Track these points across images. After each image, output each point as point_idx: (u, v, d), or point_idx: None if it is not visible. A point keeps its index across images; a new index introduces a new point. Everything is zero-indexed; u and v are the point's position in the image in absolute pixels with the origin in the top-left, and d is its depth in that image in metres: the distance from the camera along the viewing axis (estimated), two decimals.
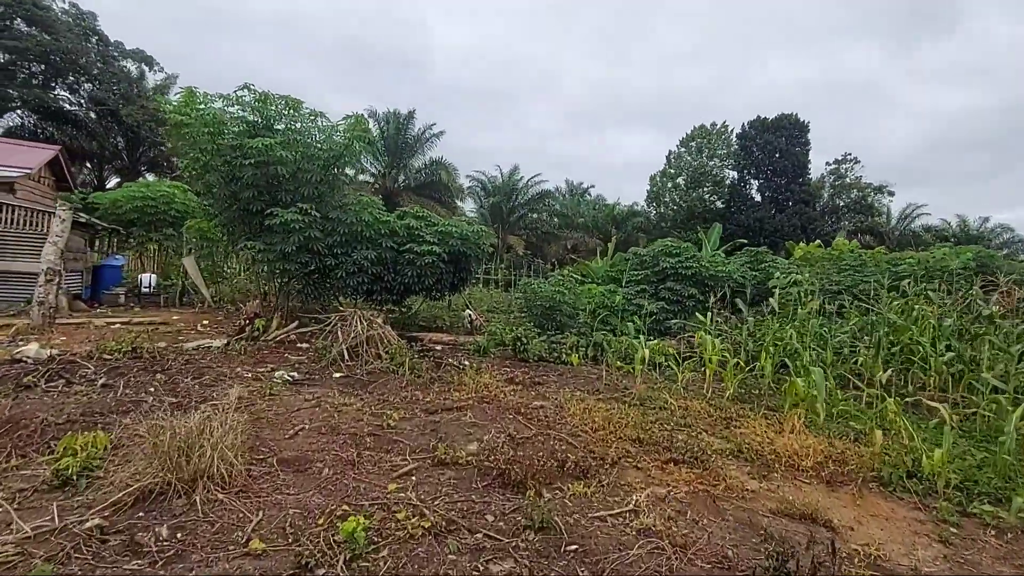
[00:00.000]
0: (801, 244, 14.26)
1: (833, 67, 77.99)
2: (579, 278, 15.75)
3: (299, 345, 9.25)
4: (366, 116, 10.42)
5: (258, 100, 10.41)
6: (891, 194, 36.47)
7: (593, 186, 45.72)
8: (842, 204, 37.67)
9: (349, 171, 11.14)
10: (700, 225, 31.10)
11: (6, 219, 12.90)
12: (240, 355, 8.19)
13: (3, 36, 29.37)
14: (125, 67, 37.78)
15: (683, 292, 12.72)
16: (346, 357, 7.95)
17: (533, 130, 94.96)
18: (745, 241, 22.00)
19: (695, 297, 12.78)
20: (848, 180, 37.31)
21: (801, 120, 35.23)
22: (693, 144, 37.23)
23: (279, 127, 10.86)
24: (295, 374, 7.19)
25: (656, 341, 9.62)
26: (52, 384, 6.11)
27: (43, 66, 33.83)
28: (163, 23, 72.83)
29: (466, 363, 8.95)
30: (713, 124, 36.95)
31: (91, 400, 5.45)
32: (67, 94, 35.86)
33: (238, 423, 4.14)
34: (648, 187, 39.62)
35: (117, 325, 10.37)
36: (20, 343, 7.94)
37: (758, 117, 35.92)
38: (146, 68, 38.34)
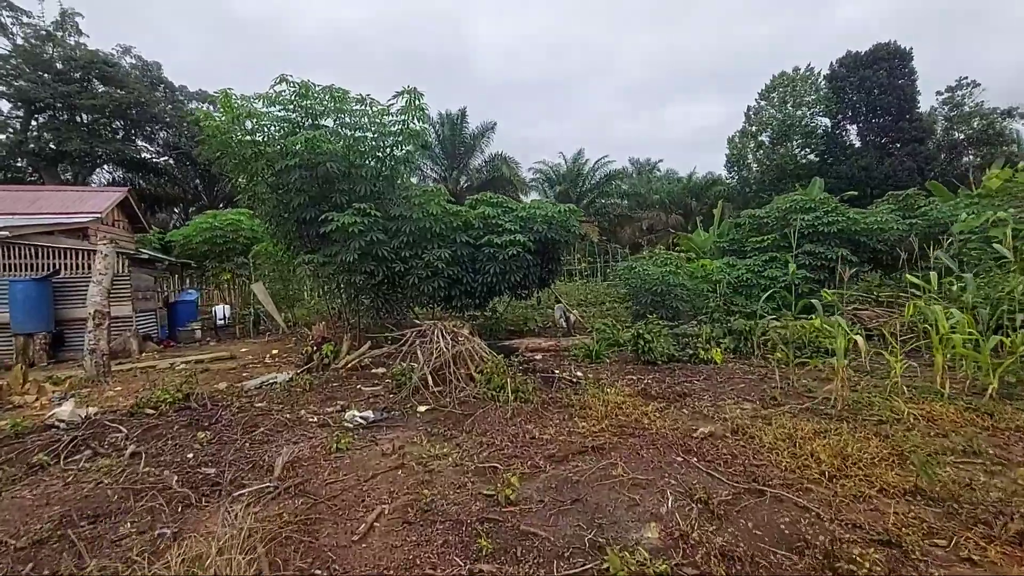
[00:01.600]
0: (993, 170, 11.04)
1: None
2: (679, 254, 13.32)
3: (374, 371, 7.63)
4: (419, 90, 8.64)
5: (297, 94, 8.94)
6: None
7: (661, 160, 42.56)
8: (962, 137, 32.12)
9: (410, 168, 9.41)
10: (795, 184, 27.30)
11: (80, 264, 12.38)
12: (306, 391, 6.65)
13: (83, 97, 30.76)
14: (192, 110, 39.04)
15: (828, 255, 10.03)
16: (430, 383, 6.18)
17: (593, 114, 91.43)
18: (855, 193, 18.43)
19: (847, 260, 10.06)
20: (967, 108, 31.72)
21: (902, 48, 30.28)
22: (775, 95, 33.02)
23: (326, 123, 9.38)
24: (370, 413, 5.49)
25: (817, 319, 7.14)
26: (74, 458, 4.74)
27: (122, 121, 35.47)
28: (224, 60, 76.27)
29: (579, 374, 6.95)
30: (796, 69, 32.58)
31: (96, 489, 3.95)
32: (146, 144, 37.53)
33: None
34: (727, 151, 35.81)
35: (182, 365, 9.28)
36: (66, 401, 6.82)
37: (848, 52, 31.31)
38: (211, 108, 39.41)
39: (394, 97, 8.69)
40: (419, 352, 6.57)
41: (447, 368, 6.17)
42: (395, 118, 8.93)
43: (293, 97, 9.03)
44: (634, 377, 6.74)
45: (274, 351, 10.23)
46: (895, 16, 67.94)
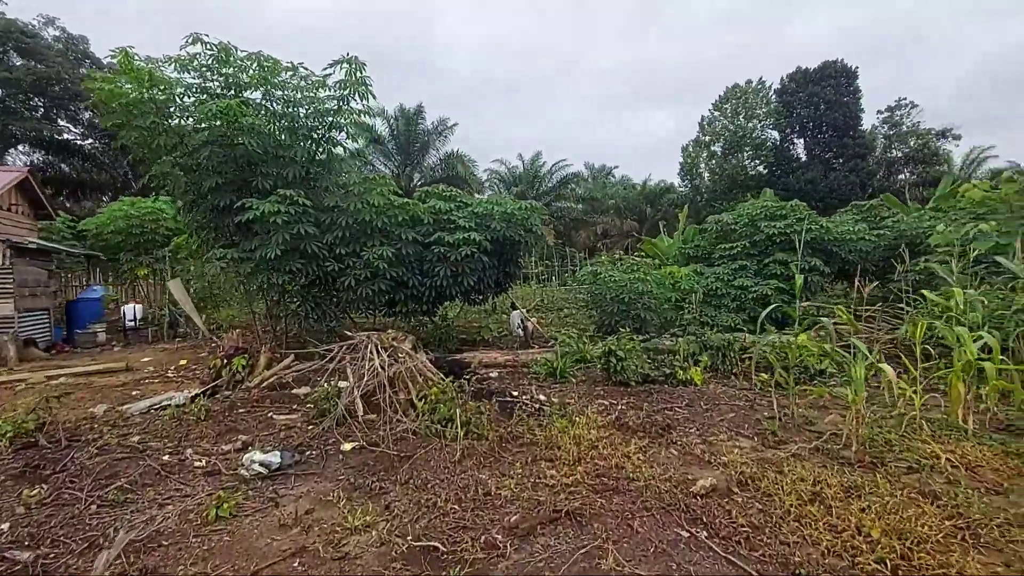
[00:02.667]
0: (972, 183, 10.71)
1: (874, 13, 70.53)
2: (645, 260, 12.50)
3: (297, 390, 6.25)
4: (363, 61, 7.33)
5: (216, 59, 7.45)
6: (957, 138, 32.01)
7: (617, 167, 42.23)
8: (900, 155, 33.35)
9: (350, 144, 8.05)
10: (746, 194, 27.39)
11: None
12: (201, 420, 5.23)
13: None
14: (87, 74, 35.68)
15: (801, 265, 9.38)
16: (360, 411, 4.92)
17: (554, 120, 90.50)
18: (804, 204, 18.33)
19: (818, 270, 9.44)
20: (905, 128, 32.95)
21: (848, 66, 31.10)
22: (728, 106, 33.25)
23: (253, 95, 7.92)
24: (276, 455, 4.17)
25: (802, 334, 6.32)
26: None
27: (42, 98, 31.82)
28: (174, 34, 71.11)
29: (542, 398, 5.85)
30: (748, 82, 32.96)
31: None
32: (69, 124, 33.86)
33: None
34: (680, 159, 35.85)
35: (62, 379, 7.56)
36: None
37: (799, 68, 31.91)
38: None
39: (331, 67, 7.34)
40: (349, 372, 5.28)
41: (382, 392, 4.92)
42: (333, 93, 7.58)
43: (211, 63, 7.54)
44: (606, 402, 5.70)
45: (183, 361, 8.60)
46: (842, 36, 70.90)
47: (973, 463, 3.79)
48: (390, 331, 5.79)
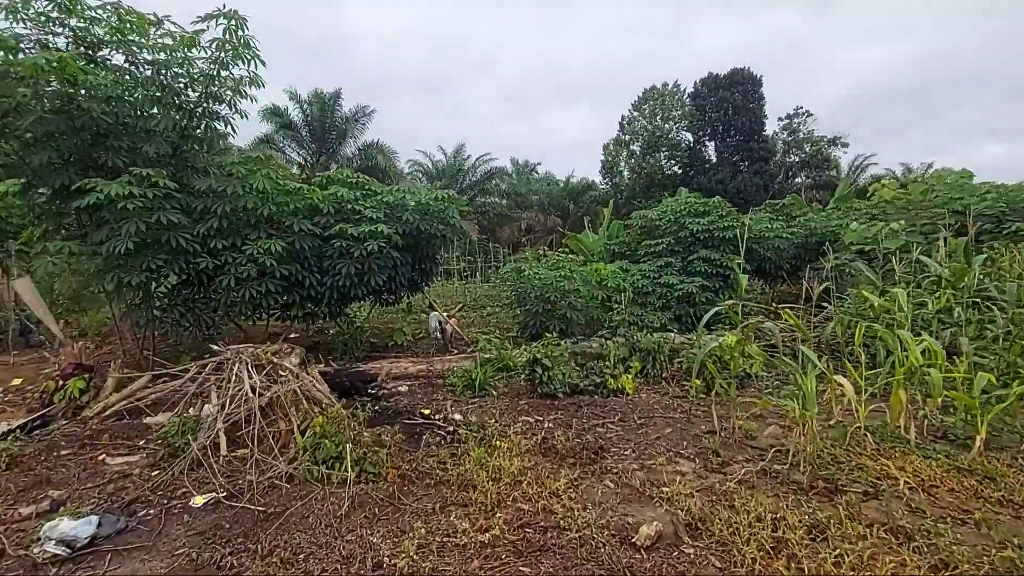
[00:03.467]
0: (885, 181, 11.02)
1: (762, 30, 75.65)
2: (571, 256, 11.97)
3: (151, 419, 4.98)
4: (244, 16, 6.07)
5: (59, 6, 5.90)
6: (845, 146, 34.67)
7: (540, 163, 42.21)
8: (796, 160, 35.68)
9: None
10: (663, 192, 28.01)
11: None
12: (3, 469, 3.90)
13: None
14: None
15: (723, 262, 9.20)
16: (223, 448, 3.84)
17: (475, 115, 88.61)
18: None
19: (740, 268, 9.30)
20: (801, 135, 35.26)
21: (754, 74, 32.69)
22: (646, 107, 33.89)
23: (114, 57, 6.43)
24: (89, 523, 3.03)
25: (731, 336, 5.95)
26: None
27: None
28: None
29: (458, 417, 5.02)
30: (665, 84, 33.78)
31: None
32: None
33: None
34: (602, 157, 36.18)
35: None
36: None
37: (710, 74, 33.10)
38: None
39: (202, 21, 6.02)
40: (213, 397, 4.16)
41: (255, 423, 3.86)
42: (208, 55, 6.26)
43: (53, 10, 5.97)
44: (531, 419, 4.97)
45: (16, 381, 6.88)
46: (745, 47, 75.34)
47: (927, 483, 3.43)
48: (269, 345, 4.69)
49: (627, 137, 34.65)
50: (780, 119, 35.70)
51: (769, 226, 10.26)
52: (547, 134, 76.47)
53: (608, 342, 6.77)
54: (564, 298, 8.35)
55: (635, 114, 34.58)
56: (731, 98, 32.19)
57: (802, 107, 34.91)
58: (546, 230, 34.35)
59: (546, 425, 4.79)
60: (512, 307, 10.23)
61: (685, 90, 33.91)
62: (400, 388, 6.09)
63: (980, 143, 68.36)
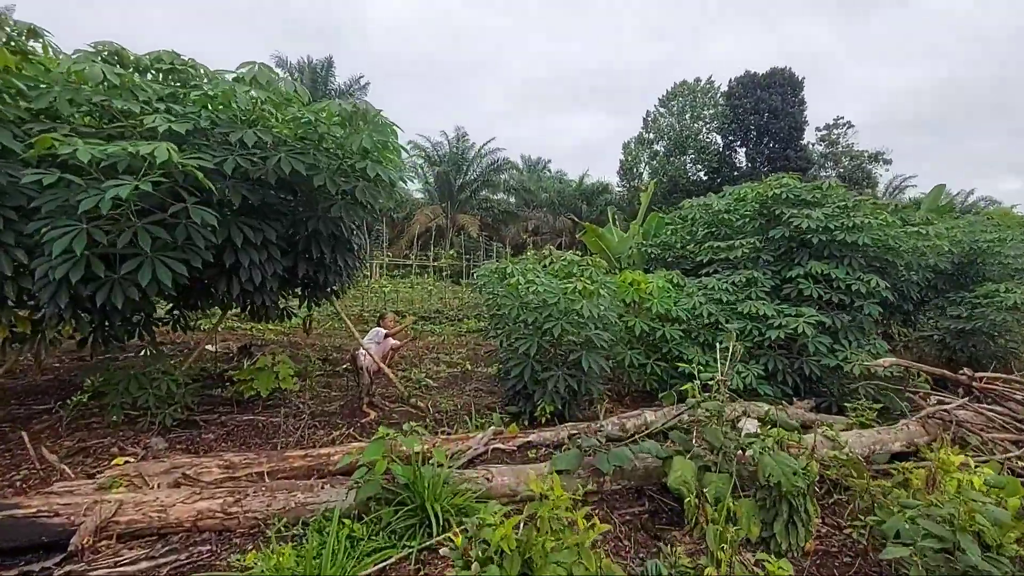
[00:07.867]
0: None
1: (788, 42, 70.75)
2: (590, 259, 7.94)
3: None
4: None
5: None
6: (888, 163, 30.47)
7: (551, 161, 38.16)
8: (834, 174, 31.49)
9: None
10: (687, 199, 24.01)
11: None
12: None
13: None
14: None
15: (850, 284, 5.22)
16: None
17: (480, 111, 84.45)
18: None
19: (876, 294, 5.29)
20: (840, 148, 31.09)
21: (795, 75, 28.60)
22: (674, 104, 29.83)
23: None
24: None
25: (953, 454, 1.98)
26: None
27: None
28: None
29: None
30: (697, 80, 29.72)
31: None
32: None
33: None
34: (621, 157, 32.08)
35: None
36: None
37: (747, 72, 29.02)
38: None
39: None
40: None
41: None
42: None
43: None
44: None
45: None
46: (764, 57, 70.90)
47: None
48: None
49: (651, 135, 30.59)
50: (818, 129, 31.58)
51: (905, 230, 6.28)
52: (555, 135, 72.33)
53: (679, 458, 2.79)
54: (578, 330, 4.41)
55: (662, 110, 30.52)
56: (769, 100, 28.09)
57: (842, 117, 30.79)
58: (554, 232, 30.43)
59: None
60: (491, 336, 6.26)
61: (719, 88, 29.82)
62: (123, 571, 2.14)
63: (997, 176, 63.94)
